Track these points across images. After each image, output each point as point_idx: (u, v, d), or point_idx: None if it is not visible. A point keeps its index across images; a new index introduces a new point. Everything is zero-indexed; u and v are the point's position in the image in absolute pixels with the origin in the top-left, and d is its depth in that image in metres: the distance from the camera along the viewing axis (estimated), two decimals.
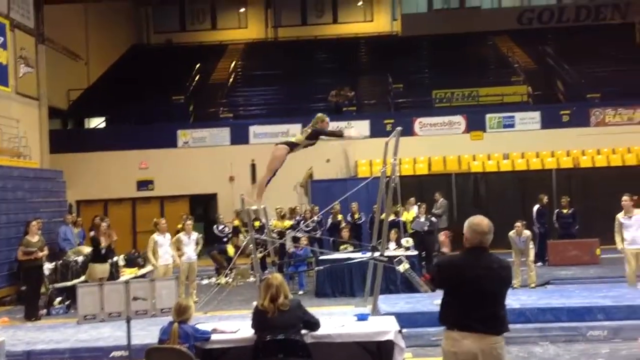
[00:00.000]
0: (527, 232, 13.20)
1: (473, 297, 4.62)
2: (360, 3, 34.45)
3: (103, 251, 12.55)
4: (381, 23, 33.97)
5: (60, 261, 13.77)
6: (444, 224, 18.49)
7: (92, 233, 13.12)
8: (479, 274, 4.62)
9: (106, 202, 23.05)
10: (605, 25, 31.19)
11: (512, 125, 22.92)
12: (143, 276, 14.10)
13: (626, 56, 27.53)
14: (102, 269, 12.49)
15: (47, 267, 13.36)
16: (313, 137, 9.15)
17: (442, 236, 16.55)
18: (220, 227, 16.94)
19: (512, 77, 26.51)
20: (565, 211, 17.00)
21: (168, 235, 12.81)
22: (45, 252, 12.79)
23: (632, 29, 28.37)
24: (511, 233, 13.11)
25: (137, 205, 23.31)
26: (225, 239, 16.64)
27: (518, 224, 13.28)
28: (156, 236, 12.63)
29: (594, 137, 22.18)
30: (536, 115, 22.99)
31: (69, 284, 13.11)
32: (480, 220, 4.72)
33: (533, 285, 12.72)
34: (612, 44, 28.03)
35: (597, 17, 32.21)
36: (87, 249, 14.17)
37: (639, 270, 10.99)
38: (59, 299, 12.91)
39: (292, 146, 9.14)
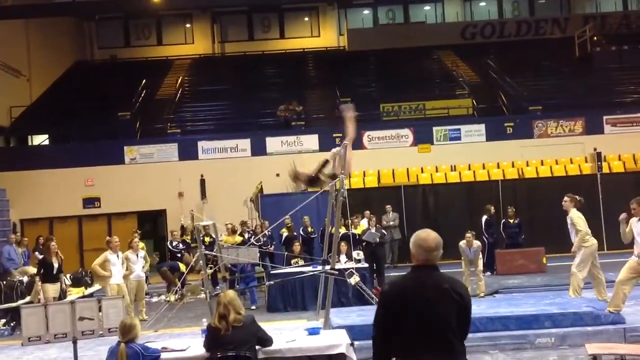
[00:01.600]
0: (477, 243, 13.41)
1: (420, 324, 3.95)
2: (306, 18, 34.66)
3: (55, 271, 12.30)
4: (328, 38, 34.23)
5: (5, 282, 13.38)
6: (397, 235, 18.67)
7: (36, 253, 12.80)
8: (426, 296, 3.95)
9: (51, 221, 22.52)
10: (546, 39, 32.08)
11: (458, 138, 23.30)
12: (91, 295, 13.80)
13: (566, 69, 28.38)
14: (54, 288, 12.24)
15: None
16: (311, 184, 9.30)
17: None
18: (175, 243, 16.75)
19: (457, 90, 26.99)
20: (511, 221, 17.34)
21: (121, 254, 12.58)
22: None
23: (572, 43, 29.23)
24: (461, 243, 13.30)
25: (83, 223, 22.84)
26: (179, 255, 16.46)
27: (468, 234, 13.47)
28: (109, 254, 12.38)
29: (537, 149, 22.72)
30: (481, 127, 23.43)
31: (13, 305, 12.74)
32: (426, 235, 4.11)
33: (482, 294, 12.92)
34: (553, 58, 28.84)
35: (537, 31, 33.10)
36: (32, 269, 13.81)
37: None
38: (3, 320, 12.55)
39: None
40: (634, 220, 9.64)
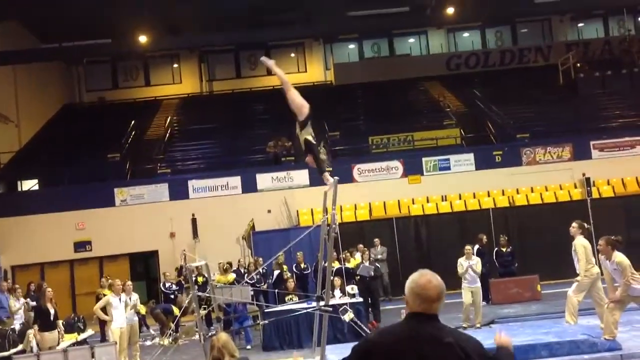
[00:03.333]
0: (476, 258, 13.52)
1: None
2: (292, 54, 34.95)
3: (52, 318, 12.17)
4: (315, 73, 34.50)
5: None
6: (384, 269, 18.61)
7: (28, 300, 12.64)
8: (422, 353, 3.15)
9: (42, 266, 22.33)
10: (530, 67, 32.45)
11: (447, 168, 23.40)
12: (84, 341, 13.66)
13: (552, 96, 28.65)
14: (51, 337, 12.06)
15: None
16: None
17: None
18: (168, 285, 16.65)
19: (445, 120, 27.19)
20: (504, 249, 17.36)
21: (123, 296, 12.44)
22: None
23: (556, 70, 29.58)
24: (461, 259, 13.36)
25: (75, 267, 22.67)
26: (172, 296, 16.35)
27: (468, 247, 13.62)
28: (111, 298, 12.25)
29: (526, 176, 22.82)
30: (470, 157, 23.55)
31: (6, 354, 12.57)
32: (426, 282, 3.30)
33: (479, 325, 12.87)
34: (538, 85, 29.14)
35: (521, 60, 33.49)
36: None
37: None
38: None
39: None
40: (601, 258, 9.78)
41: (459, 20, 29.00)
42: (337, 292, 13.89)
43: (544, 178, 22.71)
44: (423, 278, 3.33)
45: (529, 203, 21.90)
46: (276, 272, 16.56)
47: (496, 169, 23.09)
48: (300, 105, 8.83)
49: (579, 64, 29.41)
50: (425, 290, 3.28)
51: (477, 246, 17.04)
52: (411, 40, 35.37)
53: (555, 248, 17.47)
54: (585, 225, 11.36)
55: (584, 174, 22.38)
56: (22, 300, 15.06)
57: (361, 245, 16.93)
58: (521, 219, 20.57)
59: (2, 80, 26.04)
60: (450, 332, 3.23)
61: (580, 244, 10.78)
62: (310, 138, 8.61)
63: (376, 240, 18.77)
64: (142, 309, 13.57)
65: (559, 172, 22.84)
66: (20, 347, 12.55)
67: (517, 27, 35.03)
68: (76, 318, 15.35)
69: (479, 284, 13.34)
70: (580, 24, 35.03)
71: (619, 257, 9.53)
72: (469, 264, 13.28)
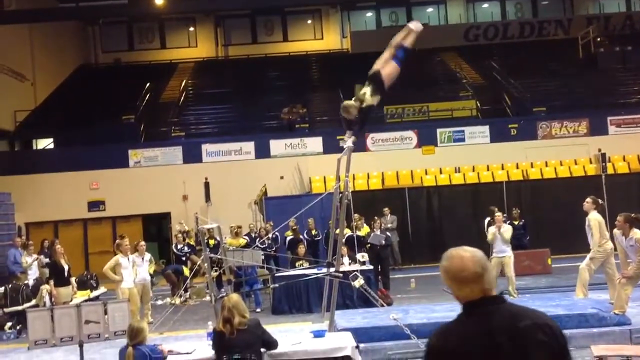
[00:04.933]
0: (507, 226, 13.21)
1: None
2: (309, 21, 34.69)
3: (66, 274, 12.33)
4: (331, 40, 34.26)
5: (10, 285, 13.41)
6: (395, 238, 18.64)
7: (42, 256, 12.78)
8: (498, 345, 2.60)
9: (56, 224, 22.57)
10: (549, 40, 32.05)
11: (462, 140, 23.29)
12: (96, 298, 13.83)
13: (570, 70, 28.35)
14: (66, 292, 12.27)
15: None
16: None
17: None
18: (180, 246, 16.78)
19: (461, 92, 26.97)
20: (516, 222, 17.30)
21: (132, 257, 12.55)
22: None
23: (576, 44, 29.20)
24: (492, 228, 13.12)
25: (88, 226, 22.90)
26: (184, 258, 16.49)
27: (498, 214, 13.42)
28: (120, 258, 12.36)
29: (541, 150, 22.69)
30: (485, 129, 23.41)
31: (19, 308, 12.76)
32: (459, 262, 2.77)
33: (515, 295, 12.69)
34: (557, 59, 28.81)
35: (540, 32, 33.07)
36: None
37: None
38: (9, 323, 12.56)
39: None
40: (617, 233, 9.75)
41: None
42: (346, 260, 13.93)
43: (559, 152, 22.58)
44: (454, 260, 2.78)
45: (542, 177, 21.78)
46: (288, 238, 16.62)
47: (511, 142, 22.95)
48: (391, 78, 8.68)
49: (599, 39, 29.04)
50: (465, 270, 2.73)
51: (488, 218, 17.05)
52: (429, 9, 35.00)
53: (568, 223, 17.44)
54: (600, 200, 11.31)
55: (599, 150, 22.20)
56: (35, 256, 15.26)
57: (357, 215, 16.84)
58: (534, 192, 20.48)
59: (18, 38, 26.04)
60: (525, 313, 2.70)
61: (595, 219, 10.75)
62: (374, 105, 8.50)
63: (386, 209, 18.75)
64: (151, 268, 13.69)
65: (574, 147, 22.68)
66: (33, 301, 12.73)
67: None
68: (89, 276, 15.53)
69: (508, 253, 12.79)
70: None
71: (638, 234, 9.51)
72: (499, 231, 12.99)
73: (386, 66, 8.35)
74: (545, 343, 2.60)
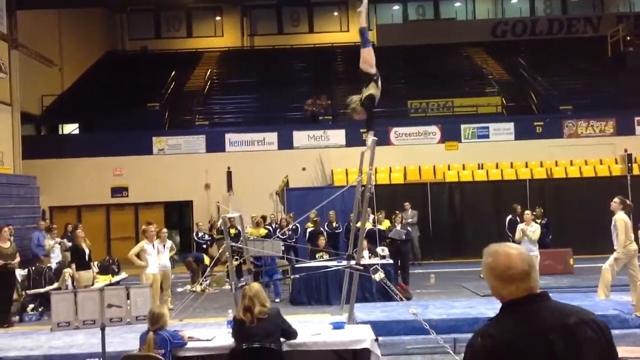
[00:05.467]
0: (535, 225, 13.18)
1: None
2: (335, 13, 34.63)
3: (87, 258, 12.48)
4: (357, 32, 34.09)
5: (34, 267, 13.59)
6: (415, 233, 18.59)
7: (65, 240, 12.93)
8: (550, 344, 2.49)
9: (80, 209, 22.84)
10: (578, 38, 31.71)
11: (486, 136, 23.15)
12: (117, 283, 13.97)
13: (598, 69, 28.01)
14: (87, 276, 12.41)
15: (20, 273, 13.17)
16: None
17: None
18: (200, 235, 16.88)
19: (486, 88, 26.79)
20: (539, 221, 17.13)
21: (156, 243, 12.63)
22: (18, 258, 12.62)
23: (605, 42, 28.85)
24: (521, 226, 13.10)
25: (111, 211, 23.13)
26: (204, 246, 16.60)
27: (528, 212, 13.44)
28: (145, 244, 12.45)
29: (566, 149, 22.50)
30: (510, 126, 23.25)
31: (42, 290, 12.94)
32: (506, 259, 2.64)
33: None
34: (585, 57, 28.49)
35: (569, 30, 32.73)
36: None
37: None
38: (32, 305, 12.73)
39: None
40: None
41: None
42: (365, 253, 13.92)
43: (584, 152, 22.37)
44: (500, 257, 2.65)
45: (567, 176, 21.60)
46: (309, 229, 16.64)
47: (536, 139, 22.78)
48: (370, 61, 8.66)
49: (628, 37, 28.63)
50: (513, 268, 2.60)
51: (510, 216, 16.95)
52: (457, 4, 34.76)
53: (591, 223, 17.27)
54: (627, 201, 11.19)
55: (625, 150, 21.96)
56: (58, 239, 15.44)
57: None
58: (558, 191, 20.30)
59: (47, 24, 26.29)
60: (570, 309, 2.61)
61: (621, 219, 10.64)
62: (375, 95, 8.42)
63: (407, 204, 18.69)
64: (175, 251, 13.84)
65: (600, 146, 22.46)
66: (55, 284, 12.89)
67: None
68: (110, 261, 15.68)
69: (535, 252, 12.75)
70: None
71: None
72: (528, 230, 12.89)
73: (361, 57, 8.40)
74: (594, 339, 2.51)
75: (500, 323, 2.61)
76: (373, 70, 8.55)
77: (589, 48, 29.28)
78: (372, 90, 8.43)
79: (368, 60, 8.58)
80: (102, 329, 7.14)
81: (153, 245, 12.46)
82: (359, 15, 9.03)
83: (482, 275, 2.63)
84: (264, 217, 18.00)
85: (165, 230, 13.37)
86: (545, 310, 2.57)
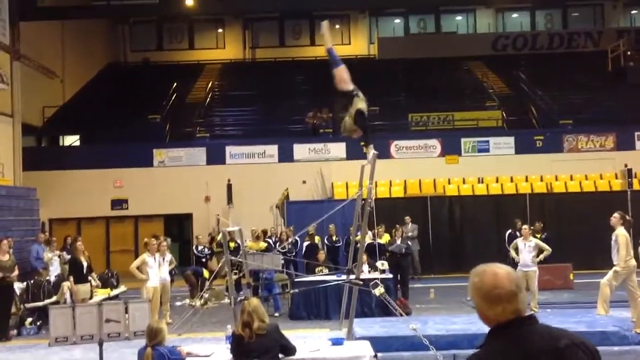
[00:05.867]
0: (535, 240, 13.09)
1: None
2: (337, 26, 34.71)
3: (85, 271, 12.44)
4: (358, 46, 34.26)
5: (32, 280, 13.56)
6: (415, 247, 18.57)
7: (64, 253, 12.90)
8: None
9: (79, 221, 22.80)
10: (579, 52, 31.79)
11: (486, 150, 23.15)
12: (116, 297, 13.93)
13: (599, 84, 28.05)
14: (84, 289, 12.36)
15: (19, 286, 13.14)
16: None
17: None
18: (200, 248, 16.86)
19: (487, 102, 26.83)
20: (538, 236, 17.11)
21: (158, 256, 12.62)
22: (16, 271, 12.59)
23: (605, 56, 28.92)
24: (518, 240, 13.05)
25: (111, 224, 23.10)
26: (204, 260, 16.56)
27: (525, 227, 13.39)
28: (147, 257, 12.44)
29: (566, 163, 22.50)
30: (510, 140, 23.27)
31: (40, 304, 12.90)
32: (493, 278, 2.58)
33: (535, 309, 12.45)
34: (585, 71, 28.54)
35: (570, 44, 32.81)
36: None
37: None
38: (30, 319, 12.69)
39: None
40: None
41: (508, 0, 28.46)
42: (365, 267, 13.89)
43: (584, 166, 22.36)
44: (487, 276, 2.58)
45: (567, 191, 21.60)
46: (306, 243, 16.60)
47: (536, 154, 22.79)
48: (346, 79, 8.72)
49: (629, 52, 28.68)
50: (499, 288, 2.53)
51: (509, 231, 16.92)
52: (458, 18, 34.87)
53: (591, 238, 17.25)
54: (627, 217, 11.18)
55: (626, 165, 21.95)
56: (57, 252, 15.41)
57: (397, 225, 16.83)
58: (558, 206, 20.30)
59: (49, 35, 26.37)
60: (560, 332, 2.54)
61: (623, 234, 10.65)
62: (363, 108, 8.47)
63: (407, 217, 18.70)
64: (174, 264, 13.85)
65: (600, 161, 22.46)
66: (54, 298, 12.85)
67: (568, 11, 34.31)
68: (110, 274, 15.64)
69: (534, 268, 12.66)
70: (634, 11, 34.16)
71: None
72: (525, 245, 12.79)
73: (335, 77, 8.55)
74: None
75: (490, 348, 2.54)
76: (350, 86, 8.62)
77: (589, 63, 29.33)
78: (359, 104, 8.49)
79: (343, 78, 8.65)
80: (100, 344, 7.12)
81: (154, 258, 12.46)
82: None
83: (468, 298, 2.59)
84: (264, 232, 17.95)
85: (164, 243, 13.35)
86: (534, 333, 2.50)
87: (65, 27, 27.73)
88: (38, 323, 12.58)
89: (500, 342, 2.51)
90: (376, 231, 14.99)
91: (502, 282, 2.54)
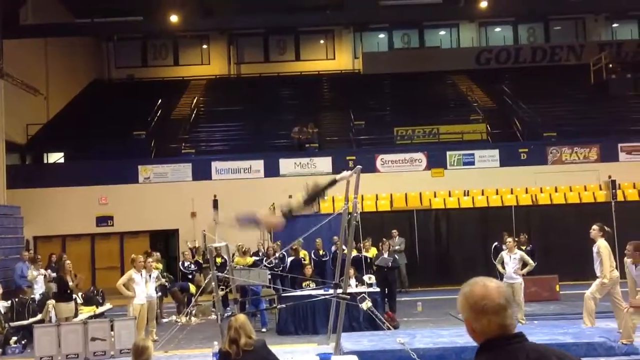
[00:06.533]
0: (519, 252, 13.10)
1: None
2: (322, 41, 34.87)
3: (69, 290, 12.34)
4: (343, 61, 34.41)
5: (17, 299, 13.42)
6: (402, 260, 18.59)
7: (49, 271, 12.80)
8: None
9: (64, 238, 22.63)
10: (561, 66, 32.09)
11: (472, 163, 23.27)
12: (102, 314, 13.82)
13: (581, 96, 28.34)
14: (68, 308, 12.24)
15: (3, 305, 13.01)
16: (310, 202, 9.14)
17: None
18: (186, 264, 16.79)
19: (471, 115, 26.99)
20: (523, 248, 17.20)
21: (144, 273, 12.53)
22: (0, 290, 12.47)
23: (587, 69, 29.21)
24: (503, 253, 13.07)
25: (96, 241, 22.94)
26: (190, 276, 16.49)
27: (509, 239, 13.38)
28: (133, 273, 12.35)
29: (551, 175, 22.64)
30: (495, 153, 23.40)
31: (25, 322, 12.77)
32: (483, 289, 2.57)
33: (523, 321, 12.50)
34: (568, 84, 28.81)
35: (552, 58, 33.13)
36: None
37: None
38: (15, 338, 12.54)
39: (289, 216, 9.13)
40: (627, 261, 9.69)
41: (491, 15, 28.71)
42: (353, 281, 13.88)
43: (568, 178, 22.50)
44: (477, 286, 2.57)
45: (552, 202, 21.72)
46: (289, 259, 16.58)
47: (521, 166, 22.92)
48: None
49: (611, 65, 29.00)
50: (489, 300, 2.50)
51: (495, 243, 16.99)
52: (442, 32, 35.10)
53: (577, 249, 17.32)
54: (606, 228, 11.25)
55: (609, 176, 22.13)
56: (42, 270, 15.28)
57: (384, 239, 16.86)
58: (543, 218, 20.41)
59: (34, 52, 26.28)
60: (549, 351, 2.50)
61: (605, 246, 10.71)
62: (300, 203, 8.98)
63: (394, 231, 18.74)
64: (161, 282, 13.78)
65: (584, 173, 22.62)
66: (39, 316, 12.72)
67: (551, 25, 34.63)
68: (95, 291, 15.52)
69: (519, 280, 12.71)
70: (615, 25, 34.55)
71: None
72: (510, 257, 12.81)
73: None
74: None
75: None
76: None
77: (572, 76, 29.61)
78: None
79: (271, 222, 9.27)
80: None
81: (141, 275, 12.38)
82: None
83: (458, 309, 2.61)
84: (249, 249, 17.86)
85: (150, 259, 13.28)
86: (521, 351, 2.44)
87: (49, 45, 27.63)
88: (23, 342, 12.41)
89: (490, 357, 2.48)
90: (362, 245, 15.00)
91: (491, 294, 2.51)
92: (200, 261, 17.48)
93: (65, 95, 29.29)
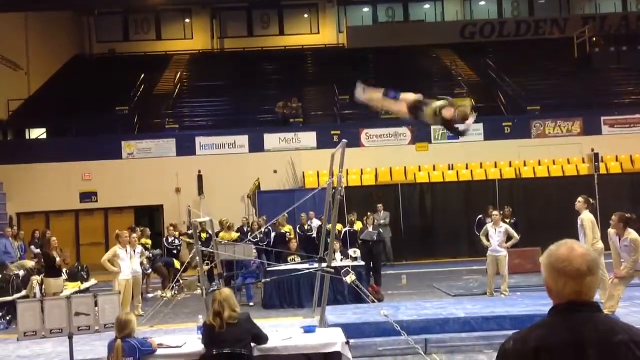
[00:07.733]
0: (504, 225, 13.12)
1: None
2: (306, 15, 34.62)
3: (57, 265, 12.31)
4: (327, 35, 34.21)
5: (1, 275, 13.35)
6: (387, 234, 18.68)
7: (32, 247, 12.74)
8: (586, 358, 2.35)
9: (48, 214, 22.49)
10: (545, 39, 32.09)
11: (456, 137, 23.24)
12: (86, 290, 13.80)
13: (565, 69, 28.39)
14: (56, 283, 12.21)
15: None
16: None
17: None
18: (170, 239, 16.76)
19: (455, 89, 26.92)
20: (507, 220, 17.31)
21: (129, 248, 12.51)
22: None
23: (571, 43, 29.24)
24: (488, 225, 13.14)
25: (80, 217, 22.83)
26: (175, 252, 16.47)
27: (495, 212, 13.45)
28: (118, 249, 12.32)
29: (534, 148, 22.75)
30: (479, 126, 23.38)
31: (9, 298, 12.71)
32: (567, 252, 2.51)
33: (506, 293, 12.62)
34: (552, 58, 28.85)
35: (536, 31, 33.12)
36: (29, 263, 13.80)
37: None
38: None
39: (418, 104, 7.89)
40: (611, 232, 9.78)
41: None
42: (338, 255, 13.94)
43: (552, 151, 22.64)
44: (562, 247, 2.52)
45: (535, 176, 21.85)
46: (273, 233, 16.60)
47: (505, 140, 22.98)
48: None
49: (594, 38, 29.06)
50: (569, 262, 2.45)
51: (480, 216, 17.11)
52: (426, 6, 34.96)
53: (560, 221, 17.46)
54: (591, 200, 11.35)
55: (592, 149, 22.27)
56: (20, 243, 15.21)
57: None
58: (527, 191, 20.56)
59: (13, 27, 25.91)
60: (620, 327, 2.42)
61: (588, 218, 10.81)
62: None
63: (379, 205, 18.81)
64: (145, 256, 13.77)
65: (567, 146, 22.74)
66: (23, 292, 12.68)
67: None
68: (79, 267, 15.47)
69: (504, 252, 12.78)
70: None
71: (632, 234, 9.53)
72: (495, 230, 12.85)
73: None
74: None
75: (540, 328, 2.47)
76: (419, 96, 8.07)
77: (555, 49, 29.63)
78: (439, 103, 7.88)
79: (408, 98, 8.11)
80: (70, 338, 7.06)
81: (125, 250, 12.36)
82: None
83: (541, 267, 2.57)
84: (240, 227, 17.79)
85: (134, 235, 13.25)
86: (591, 322, 2.39)
87: (29, 19, 27.25)
88: (8, 317, 12.40)
89: (550, 324, 2.46)
90: (349, 219, 15.04)
91: (574, 258, 2.47)
92: (180, 236, 17.45)
93: (46, 70, 28.93)
